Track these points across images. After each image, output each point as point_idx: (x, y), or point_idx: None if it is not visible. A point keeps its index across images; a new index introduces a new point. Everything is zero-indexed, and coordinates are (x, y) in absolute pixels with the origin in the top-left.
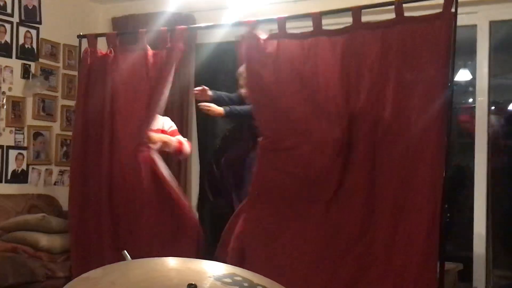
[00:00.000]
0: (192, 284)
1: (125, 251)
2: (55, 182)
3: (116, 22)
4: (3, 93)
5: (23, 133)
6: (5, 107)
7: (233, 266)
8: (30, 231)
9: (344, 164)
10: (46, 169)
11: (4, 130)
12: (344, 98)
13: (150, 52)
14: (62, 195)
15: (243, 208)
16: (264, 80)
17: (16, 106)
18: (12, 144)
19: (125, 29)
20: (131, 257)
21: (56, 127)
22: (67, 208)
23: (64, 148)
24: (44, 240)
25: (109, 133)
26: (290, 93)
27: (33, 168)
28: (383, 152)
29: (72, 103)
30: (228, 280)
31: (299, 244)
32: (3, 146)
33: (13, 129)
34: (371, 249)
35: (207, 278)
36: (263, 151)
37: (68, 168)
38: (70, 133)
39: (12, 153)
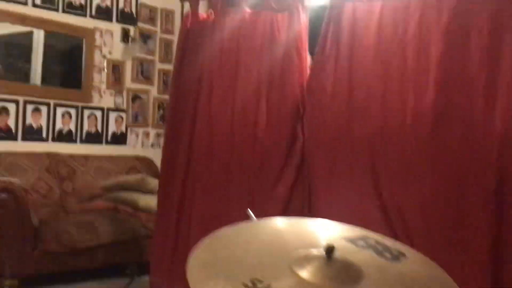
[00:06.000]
0: (330, 244)
1: (249, 209)
2: (152, 144)
3: None
4: (104, 56)
5: (122, 96)
6: (105, 70)
7: (362, 229)
8: (130, 191)
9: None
10: (144, 132)
11: (104, 92)
12: (442, 66)
13: (269, 15)
14: (158, 157)
15: None
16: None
17: (115, 69)
18: (112, 106)
19: None
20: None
21: (153, 91)
22: None
23: (161, 111)
24: (143, 200)
25: (203, 105)
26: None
27: (131, 130)
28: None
29: (168, 67)
30: (362, 243)
31: None
32: (103, 108)
33: (113, 91)
34: None
35: (340, 240)
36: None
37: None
38: (166, 97)
39: (112, 115)
